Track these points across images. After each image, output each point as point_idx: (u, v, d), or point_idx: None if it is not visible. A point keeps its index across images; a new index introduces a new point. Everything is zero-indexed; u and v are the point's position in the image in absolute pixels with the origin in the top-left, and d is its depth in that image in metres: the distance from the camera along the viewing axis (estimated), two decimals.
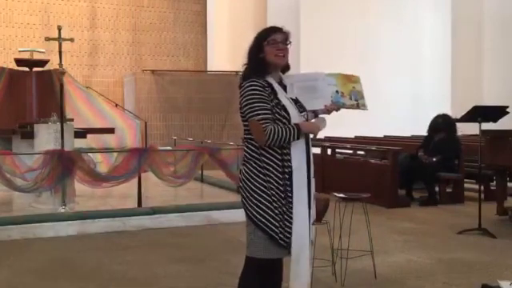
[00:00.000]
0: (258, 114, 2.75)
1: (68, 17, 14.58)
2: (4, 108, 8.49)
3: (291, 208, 2.78)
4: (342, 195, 4.51)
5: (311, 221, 2.94)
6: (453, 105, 13.05)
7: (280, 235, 2.77)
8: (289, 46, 2.91)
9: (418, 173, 8.37)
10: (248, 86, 2.79)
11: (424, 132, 9.06)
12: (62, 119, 6.94)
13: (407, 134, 12.26)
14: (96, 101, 11.09)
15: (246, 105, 2.78)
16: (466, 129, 9.44)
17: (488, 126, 6.39)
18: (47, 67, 8.81)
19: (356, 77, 3.07)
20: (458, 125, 8.35)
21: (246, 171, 2.84)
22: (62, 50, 7.05)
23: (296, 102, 2.91)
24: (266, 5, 14.06)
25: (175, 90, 13.93)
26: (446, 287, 4.32)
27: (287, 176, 2.79)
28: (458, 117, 6.83)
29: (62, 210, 6.67)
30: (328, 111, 2.99)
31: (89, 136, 8.44)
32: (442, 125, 8.54)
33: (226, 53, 14.40)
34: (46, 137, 7.02)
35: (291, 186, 2.79)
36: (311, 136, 2.94)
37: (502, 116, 6.32)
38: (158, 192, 8.03)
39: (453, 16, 14.01)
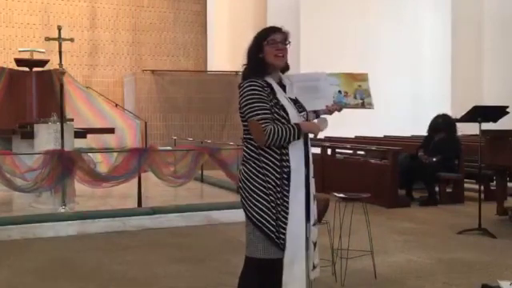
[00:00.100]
0: (258, 114, 2.75)
1: (68, 17, 14.58)
2: (4, 108, 8.49)
3: (287, 208, 2.78)
4: (342, 195, 4.51)
5: (312, 221, 2.94)
6: (453, 105, 13.05)
7: (276, 234, 2.77)
8: (288, 46, 2.91)
9: (418, 173, 8.37)
10: (247, 86, 2.79)
11: (424, 132, 9.06)
12: (62, 119, 6.94)
13: (407, 133, 12.26)
14: (96, 101, 11.09)
15: (246, 105, 2.78)
16: (465, 129, 9.45)
17: (488, 126, 6.39)
18: (47, 67, 8.81)
19: (364, 75, 3.00)
20: (458, 125, 8.35)
21: (245, 171, 2.84)
22: (62, 49, 7.05)
23: (295, 102, 2.90)
24: (266, 5, 14.06)
25: (175, 90, 13.93)
26: (446, 287, 4.32)
27: (285, 176, 2.78)
28: (458, 117, 6.83)
29: (62, 210, 6.67)
30: (330, 111, 2.98)
31: (89, 136, 8.44)
32: (442, 125, 8.54)
33: (226, 53, 14.40)
34: (46, 137, 7.02)
35: (289, 186, 2.78)
36: (311, 136, 2.93)
37: (501, 116, 6.32)
38: (158, 192, 8.03)
39: (453, 16, 14.02)
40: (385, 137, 12.11)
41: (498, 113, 6.34)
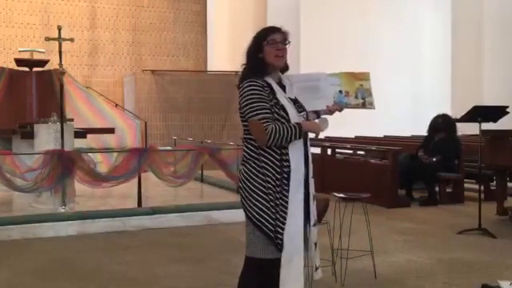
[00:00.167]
0: (258, 114, 2.75)
1: (68, 17, 14.58)
2: (4, 108, 8.49)
3: (286, 208, 2.78)
4: (342, 195, 4.51)
5: (312, 222, 2.94)
6: (453, 105, 13.05)
7: (275, 234, 2.77)
8: (288, 46, 2.91)
9: (418, 173, 8.37)
10: (247, 86, 2.79)
11: (424, 132, 9.06)
12: (62, 119, 6.95)
13: (407, 133, 12.26)
14: (96, 101, 11.09)
15: (246, 105, 2.78)
16: (466, 129, 9.44)
17: (488, 126, 6.39)
18: (47, 67, 8.81)
19: (365, 74, 2.99)
20: (458, 125, 8.35)
21: (245, 171, 2.84)
22: (62, 49, 7.05)
23: (295, 102, 2.90)
24: (266, 5, 14.06)
25: (175, 90, 13.93)
26: (446, 287, 4.32)
27: (285, 176, 2.78)
28: (458, 117, 6.83)
29: (62, 210, 6.67)
30: (330, 112, 2.97)
31: (89, 136, 8.45)
32: (442, 125, 8.55)
33: (226, 53, 14.40)
34: (46, 137, 7.02)
35: (288, 186, 2.78)
36: (312, 136, 2.93)
37: (501, 116, 6.32)
38: (158, 192, 8.03)
39: (453, 16, 14.01)
40: (385, 137, 12.11)
41: (498, 113, 6.34)
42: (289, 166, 2.78)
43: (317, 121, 3.01)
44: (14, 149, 7.81)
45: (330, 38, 16.08)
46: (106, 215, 6.52)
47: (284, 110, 2.80)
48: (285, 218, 2.77)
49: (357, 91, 2.95)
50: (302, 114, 2.91)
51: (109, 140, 9.99)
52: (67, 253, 5.41)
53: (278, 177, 2.78)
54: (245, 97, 2.78)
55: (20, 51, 9.24)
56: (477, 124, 6.23)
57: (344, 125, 8.27)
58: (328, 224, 4.30)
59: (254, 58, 2.86)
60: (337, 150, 9.97)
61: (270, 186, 2.78)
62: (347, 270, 4.36)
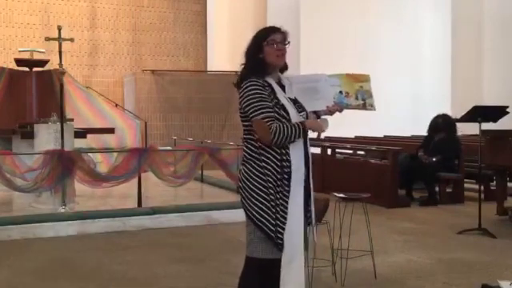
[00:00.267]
0: (262, 113, 2.75)
1: (68, 17, 14.58)
2: (4, 108, 8.49)
3: (286, 208, 2.78)
4: (341, 195, 4.51)
5: (312, 221, 2.94)
6: (453, 105, 13.05)
7: (276, 234, 2.77)
8: (287, 46, 2.91)
9: (418, 173, 8.37)
10: (248, 86, 2.79)
11: (424, 132, 9.06)
12: (62, 119, 6.94)
13: (407, 133, 12.25)
14: (96, 101, 11.09)
15: (248, 104, 2.78)
16: (465, 129, 9.44)
17: (488, 126, 6.39)
18: (47, 67, 8.81)
19: (365, 76, 3.00)
20: (458, 125, 8.35)
21: (245, 171, 2.84)
22: (62, 49, 7.05)
23: (295, 102, 2.91)
24: (266, 5, 14.06)
25: (175, 90, 13.93)
26: (446, 287, 4.32)
27: (286, 176, 2.78)
28: (458, 117, 6.83)
29: (62, 210, 6.67)
30: (330, 112, 2.98)
31: (89, 136, 8.44)
32: (442, 125, 8.55)
33: (226, 53, 14.39)
34: (46, 137, 7.02)
35: (289, 186, 2.78)
36: (314, 136, 2.93)
37: (501, 116, 6.32)
38: (158, 192, 8.03)
39: (453, 16, 14.01)
40: (385, 137, 12.11)
41: (498, 113, 6.34)
42: (289, 166, 2.78)
43: (318, 121, 3.01)
44: (14, 149, 7.81)
45: (330, 38, 16.08)
46: (106, 215, 6.52)
47: (285, 109, 2.81)
48: (285, 218, 2.77)
49: (357, 93, 2.95)
50: (302, 113, 2.91)
51: (109, 140, 9.99)
52: (67, 253, 5.41)
53: (279, 177, 2.78)
54: (246, 96, 2.78)
55: (20, 51, 9.24)
56: (477, 124, 6.23)
57: (344, 125, 8.26)
58: (328, 224, 4.30)
59: (254, 58, 2.85)
60: (337, 150, 9.97)
61: (270, 185, 2.77)
62: (347, 270, 4.36)
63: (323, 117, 3.04)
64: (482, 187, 7.20)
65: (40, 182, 6.43)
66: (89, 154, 7.15)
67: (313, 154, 3.00)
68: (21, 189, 6.61)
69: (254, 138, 2.83)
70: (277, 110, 2.79)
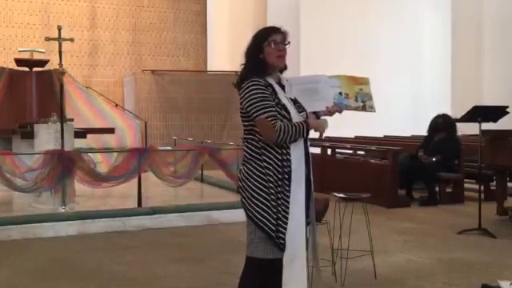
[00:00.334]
0: (265, 112, 2.75)
1: (68, 17, 14.58)
2: (4, 108, 8.49)
3: (288, 208, 2.78)
4: (341, 195, 4.51)
5: (312, 221, 2.94)
6: (453, 105, 13.05)
7: (277, 234, 2.77)
8: (287, 46, 2.91)
9: (418, 173, 8.36)
10: (250, 86, 2.78)
11: (424, 132, 9.06)
12: (62, 119, 6.95)
13: (407, 133, 12.25)
14: (96, 101, 11.09)
15: (251, 104, 2.77)
16: (465, 129, 9.44)
17: (488, 126, 6.39)
18: (47, 67, 8.81)
19: (365, 79, 3.02)
20: (458, 125, 8.35)
21: (245, 171, 2.84)
22: (62, 49, 7.05)
23: (295, 102, 2.91)
24: (266, 5, 14.06)
25: (175, 90, 13.93)
26: (446, 287, 4.32)
27: (286, 176, 2.78)
28: (458, 117, 6.83)
29: (62, 210, 6.67)
30: (330, 113, 2.98)
31: (89, 136, 8.44)
32: (442, 125, 8.54)
33: (226, 53, 14.40)
34: (46, 137, 7.02)
35: (289, 186, 2.78)
36: (317, 136, 2.94)
37: (501, 116, 6.32)
38: (158, 192, 8.03)
39: (453, 16, 14.01)
40: (385, 137, 12.11)
41: (498, 113, 6.34)
42: (290, 166, 2.78)
43: (320, 120, 3.01)
44: (14, 149, 7.81)
45: (330, 38, 16.08)
46: (106, 215, 6.52)
47: (286, 109, 2.81)
48: (287, 218, 2.77)
49: (356, 95, 2.97)
50: (302, 114, 2.91)
51: (109, 140, 9.99)
52: (67, 253, 5.41)
53: (280, 176, 2.78)
54: (249, 96, 2.77)
55: (20, 51, 9.24)
56: (477, 124, 6.23)
57: (344, 125, 8.28)
58: (328, 224, 4.30)
59: (255, 59, 2.85)
60: (337, 150, 9.97)
61: (271, 185, 2.77)
62: (347, 270, 4.36)
63: (323, 117, 3.05)
64: (482, 187, 7.20)
65: (40, 182, 6.43)
66: (89, 153, 7.15)
67: (313, 154, 3.01)
68: (21, 189, 6.61)
69: (255, 138, 2.83)
70: (278, 109, 2.79)
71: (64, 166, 6.49)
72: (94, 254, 5.33)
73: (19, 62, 8.73)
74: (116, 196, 7.91)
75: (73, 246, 5.68)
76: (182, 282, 4.46)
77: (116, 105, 11.61)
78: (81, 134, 7.90)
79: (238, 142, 8.59)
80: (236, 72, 3.07)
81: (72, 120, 7.89)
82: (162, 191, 7.97)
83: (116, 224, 6.42)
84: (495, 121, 6.31)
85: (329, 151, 9.75)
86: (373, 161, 8.94)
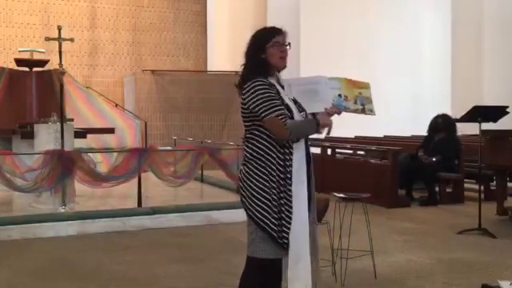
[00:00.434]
0: (275, 111, 2.75)
1: (68, 17, 14.58)
2: (4, 108, 8.49)
3: (291, 208, 2.78)
4: (342, 195, 4.51)
5: (313, 221, 2.94)
6: (453, 105, 13.04)
7: (279, 234, 2.77)
8: (289, 47, 2.91)
9: (418, 173, 8.37)
10: (255, 86, 2.78)
11: (424, 132, 9.06)
12: (62, 119, 6.94)
13: (407, 133, 12.25)
14: (96, 101, 11.09)
15: (258, 104, 2.76)
16: (466, 129, 9.45)
17: (488, 126, 6.39)
18: (47, 67, 8.81)
19: (365, 83, 3.02)
20: (458, 125, 8.35)
21: (246, 171, 2.84)
22: (62, 49, 7.05)
23: (295, 102, 2.91)
24: (266, 5, 14.05)
25: (175, 90, 13.93)
26: (446, 287, 4.32)
27: (288, 176, 2.78)
28: (458, 117, 6.83)
29: (62, 210, 6.67)
30: (329, 114, 2.98)
31: (89, 136, 8.44)
32: (442, 125, 8.55)
33: (226, 53, 14.39)
34: (46, 137, 7.02)
35: (291, 185, 2.78)
36: (324, 135, 2.94)
37: (501, 116, 6.32)
38: (158, 192, 8.03)
39: (453, 16, 14.01)
40: (385, 137, 12.11)
41: (498, 113, 6.34)
42: (292, 166, 2.79)
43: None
44: (14, 149, 7.81)
45: (330, 38, 16.08)
46: (106, 215, 6.52)
47: (289, 109, 2.82)
48: (290, 218, 2.77)
49: (356, 98, 2.97)
50: (302, 114, 2.91)
51: (109, 140, 9.98)
52: (67, 253, 5.41)
53: (282, 176, 2.78)
54: (255, 96, 2.76)
55: (20, 51, 9.24)
56: (477, 124, 6.23)
57: (344, 125, 8.27)
58: (328, 224, 4.30)
59: (256, 59, 2.85)
60: (337, 150, 9.97)
61: (273, 185, 2.77)
62: (347, 270, 4.36)
63: None
64: (482, 187, 7.20)
65: (40, 182, 6.43)
66: (89, 153, 7.15)
67: (313, 154, 3.00)
68: (21, 189, 6.61)
69: (257, 138, 2.82)
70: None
71: (64, 166, 6.49)
72: (93, 254, 5.33)
73: (19, 62, 8.72)
74: (116, 196, 7.91)
75: (73, 246, 5.68)
76: (181, 282, 4.46)
77: (116, 105, 11.60)
78: (81, 133, 7.90)
79: (238, 142, 8.59)
80: (236, 72, 3.07)
81: (72, 120, 7.89)
82: (161, 191, 7.97)
83: (116, 224, 6.42)
84: (495, 121, 6.31)
85: (329, 151, 9.75)
86: (373, 161, 8.94)
